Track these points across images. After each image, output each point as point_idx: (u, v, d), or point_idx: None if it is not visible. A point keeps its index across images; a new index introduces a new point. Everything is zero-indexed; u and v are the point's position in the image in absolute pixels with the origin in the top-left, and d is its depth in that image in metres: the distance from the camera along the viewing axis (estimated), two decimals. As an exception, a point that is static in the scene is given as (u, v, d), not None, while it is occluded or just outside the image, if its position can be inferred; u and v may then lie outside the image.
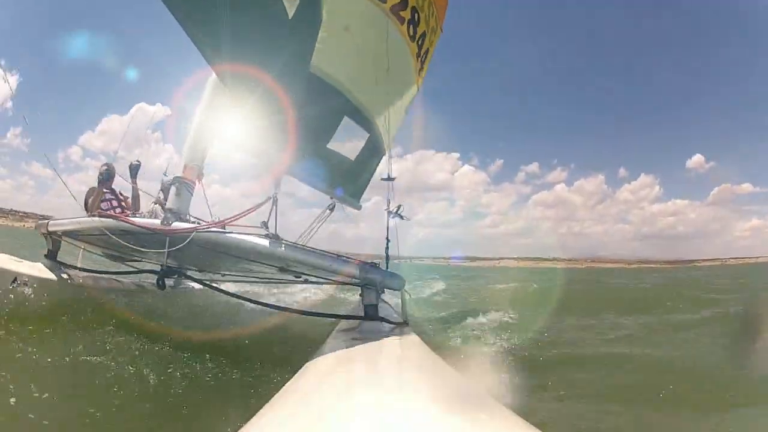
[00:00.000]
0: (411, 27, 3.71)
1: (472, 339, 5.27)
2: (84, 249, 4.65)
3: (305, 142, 3.05)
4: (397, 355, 2.20)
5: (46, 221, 4.00)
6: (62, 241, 4.25)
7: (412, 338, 2.57)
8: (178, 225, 3.12)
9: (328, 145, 3.23)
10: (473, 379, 2.56)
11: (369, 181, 3.98)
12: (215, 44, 2.55)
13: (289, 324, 4.29)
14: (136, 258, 4.91)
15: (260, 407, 1.37)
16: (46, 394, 2.89)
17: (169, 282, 4.82)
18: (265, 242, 3.03)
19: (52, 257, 4.10)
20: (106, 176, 4.06)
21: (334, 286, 4.41)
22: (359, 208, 3.89)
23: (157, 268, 3.58)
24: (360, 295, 3.41)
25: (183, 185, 3.52)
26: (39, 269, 3.83)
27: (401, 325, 2.92)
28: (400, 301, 4.09)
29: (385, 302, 3.61)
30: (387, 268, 3.96)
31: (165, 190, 4.68)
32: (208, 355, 3.73)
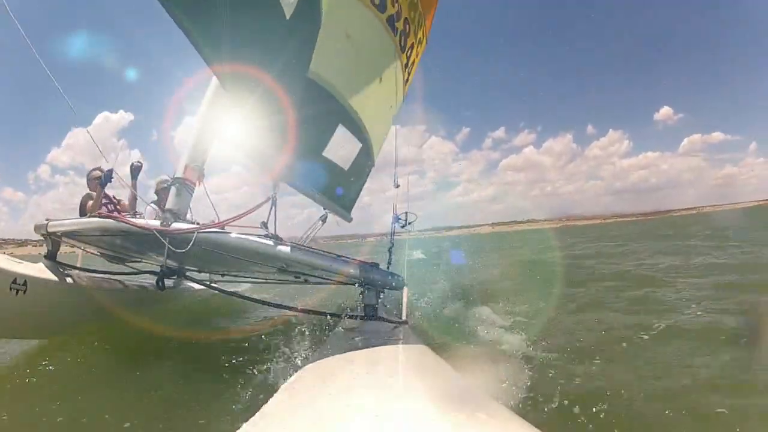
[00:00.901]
0: (402, 38, 3.71)
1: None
2: (83, 250, 4.66)
3: (301, 145, 3.03)
4: (397, 355, 2.20)
5: (46, 222, 4.00)
6: (61, 243, 4.25)
7: (413, 338, 2.57)
8: (177, 226, 3.12)
9: (323, 153, 3.21)
10: (473, 379, 2.55)
11: (360, 192, 3.94)
12: (215, 44, 2.54)
13: (289, 323, 4.30)
14: (135, 259, 4.92)
15: (260, 407, 1.37)
16: (46, 395, 2.90)
17: (169, 282, 4.81)
18: (265, 242, 3.03)
19: (51, 258, 4.11)
20: (107, 178, 4.05)
21: (334, 286, 4.39)
22: (350, 220, 3.85)
23: (157, 268, 3.58)
24: (360, 294, 3.41)
25: (183, 186, 3.52)
26: (39, 269, 3.84)
27: (402, 325, 2.92)
28: (400, 300, 4.08)
29: (384, 304, 3.61)
30: (389, 268, 3.96)
31: (159, 192, 4.68)
32: (208, 355, 3.74)
